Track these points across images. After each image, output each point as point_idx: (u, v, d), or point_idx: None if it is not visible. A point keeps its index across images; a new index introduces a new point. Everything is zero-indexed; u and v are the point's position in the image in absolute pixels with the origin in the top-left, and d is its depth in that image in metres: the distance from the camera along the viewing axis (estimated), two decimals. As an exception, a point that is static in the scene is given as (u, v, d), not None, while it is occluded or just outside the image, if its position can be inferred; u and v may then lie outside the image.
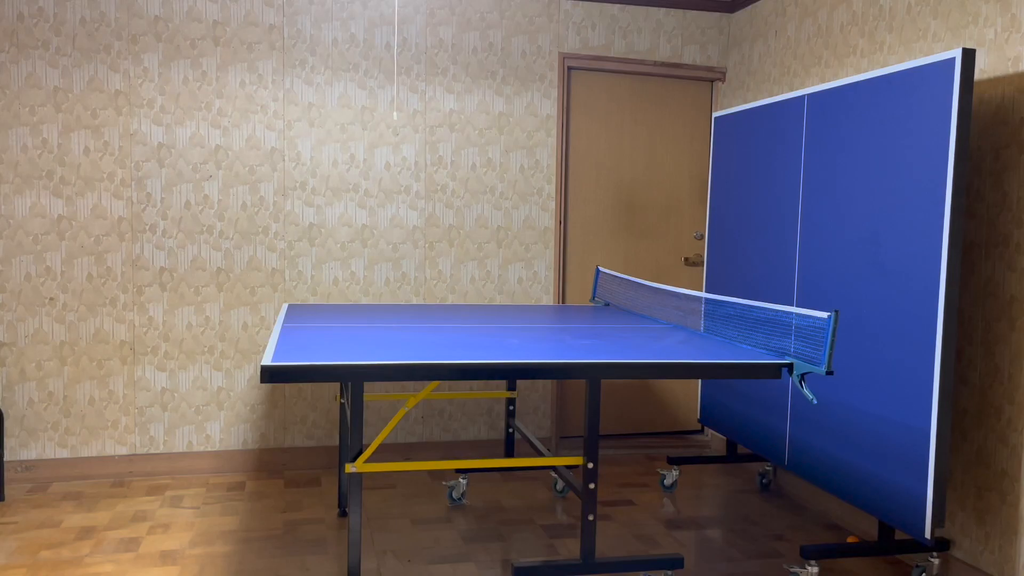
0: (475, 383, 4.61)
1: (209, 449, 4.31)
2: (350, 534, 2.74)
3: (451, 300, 4.60)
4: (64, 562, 3.17)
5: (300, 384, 4.42)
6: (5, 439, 4.04)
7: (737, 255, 4.16)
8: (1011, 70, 2.95)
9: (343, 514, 3.73)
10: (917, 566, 3.14)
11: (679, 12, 4.81)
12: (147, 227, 4.16)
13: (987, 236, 3.05)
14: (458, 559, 3.30)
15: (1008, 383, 2.95)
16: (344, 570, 3.16)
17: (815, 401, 2.65)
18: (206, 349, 4.28)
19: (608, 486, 4.25)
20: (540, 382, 4.77)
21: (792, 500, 4.11)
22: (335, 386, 4.42)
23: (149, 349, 4.20)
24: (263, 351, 4.31)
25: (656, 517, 3.83)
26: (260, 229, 4.30)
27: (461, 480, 3.93)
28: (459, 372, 2.50)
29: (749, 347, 2.96)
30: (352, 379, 2.42)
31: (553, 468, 3.71)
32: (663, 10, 4.79)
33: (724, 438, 4.75)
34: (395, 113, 4.40)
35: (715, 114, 4.47)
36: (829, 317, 2.59)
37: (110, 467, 4.19)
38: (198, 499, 3.92)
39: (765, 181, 3.92)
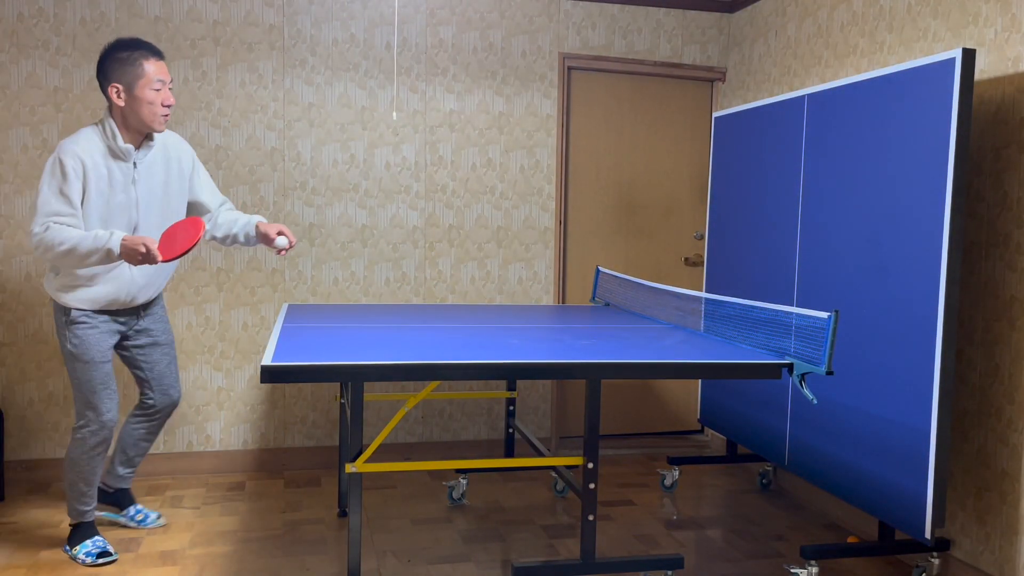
0: (475, 383, 4.61)
1: (209, 449, 4.31)
2: (350, 534, 2.74)
3: (451, 300, 4.60)
4: (64, 562, 3.17)
5: (300, 384, 4.42)
6: (5, 439, 4.04)
7: (737, 255, 4.16)
8: (1011, 70, 2.95)
9: (343, 514, 3.73)
10: (917, 566, 3.14)
11: (679, 12, 4.81)
12: (147, 227, 4.16)
13: (987, 236, 3.05)
14: (458, 559, 3.30)
15: (1008, 383, 2.95)
16: (344, 570, 3.16)
17: (815, 401, 2.65)
18: (206, 349, 4.28)
19: (608, 486, 4.25)
20: (540, 382, 4.77)
21: (792, 500, 4.11)
22: (335, 386, 4.42)
23: (149, 349, 4.20)
24: (263, 351, 4.31)
25: (656, 517, 3.83)
26: (260, 229, 4.30)
27: (461, 480, 3.93)
28: (459, 372, 2.50)
29: (749, 347, 2.96)
30: (352, 379, 2.42)
31: (553, 468, 3.71)
32: (663, 10, 4.79)
33: (724, 438, 4.75)
34: (395, 113, 4.40)
35: (715, 114, 4.47)
36: (829, 317, 2.59)
37: (110, 467, 4.18)
38: (198, 499, 3.92)
39: (765, 181, 3.92)
